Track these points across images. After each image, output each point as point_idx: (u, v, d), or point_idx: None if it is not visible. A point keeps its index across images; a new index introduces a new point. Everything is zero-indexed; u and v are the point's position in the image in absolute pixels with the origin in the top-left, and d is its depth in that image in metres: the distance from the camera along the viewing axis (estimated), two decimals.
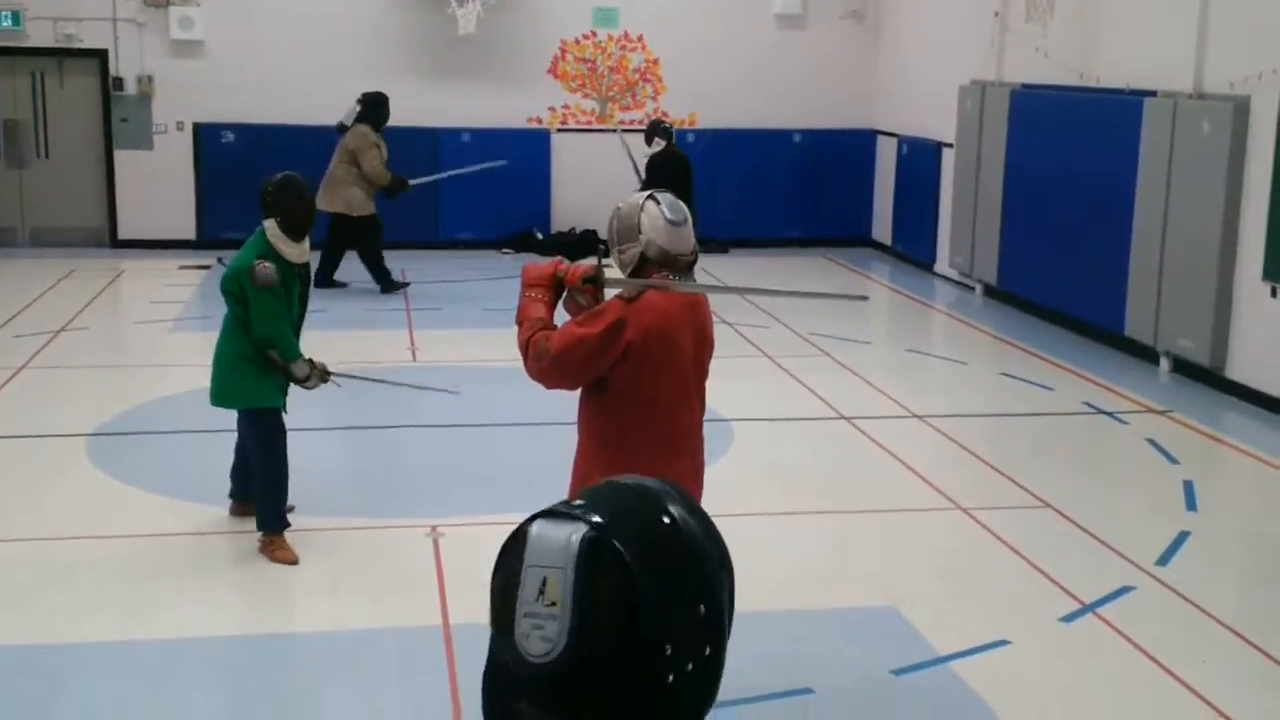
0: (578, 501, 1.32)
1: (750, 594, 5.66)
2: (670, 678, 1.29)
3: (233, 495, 6.61)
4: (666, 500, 1.34)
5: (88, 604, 5.72)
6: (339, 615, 5.63)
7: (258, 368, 6.05)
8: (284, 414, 6.22)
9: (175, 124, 14.71)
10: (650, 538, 1.30)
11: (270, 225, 5.98)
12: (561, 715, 1.27)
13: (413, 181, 12.67)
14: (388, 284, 12.60)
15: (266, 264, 5.88)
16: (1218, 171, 9.34)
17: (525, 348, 4.20)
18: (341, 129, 12.49)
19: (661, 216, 4.22)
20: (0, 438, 8.03)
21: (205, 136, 14.68)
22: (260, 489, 6.20)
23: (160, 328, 11.18)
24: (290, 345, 6.05)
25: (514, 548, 1.30)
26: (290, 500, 6.29)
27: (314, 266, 6.29)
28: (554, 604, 1.25)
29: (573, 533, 1.27)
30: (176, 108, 14.66)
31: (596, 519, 1.28)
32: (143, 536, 6.45)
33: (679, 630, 1.29)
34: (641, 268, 4.22)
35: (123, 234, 14.84)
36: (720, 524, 1.31)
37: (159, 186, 14.73)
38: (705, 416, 4.47)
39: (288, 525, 6.20)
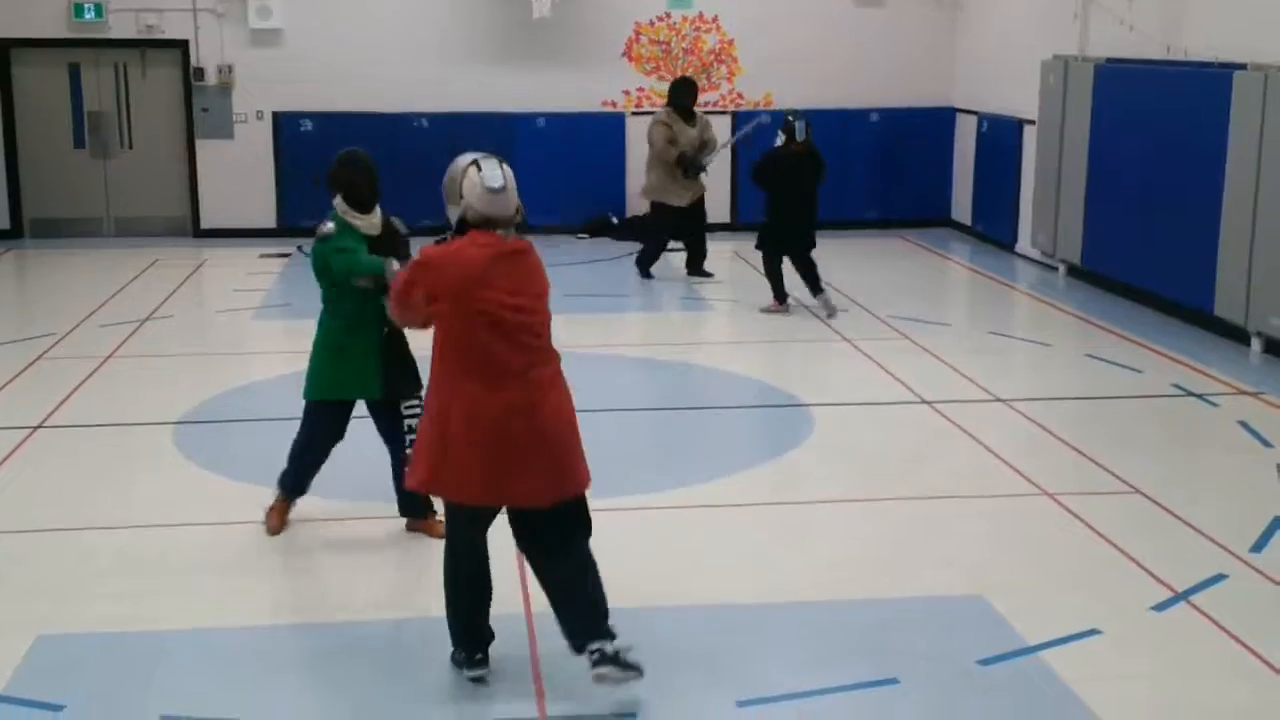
0: None
1: (835, 580, 5.63)
2: None
3: (401, 510, 6.47)
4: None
5: (173, 591, 5.78)
6: (425, 603, 5.62)
7: (323, 360, 6.21)
8: (335, 405, 6.26)
9: (255, 113, 14.87)
10: None
11: (338, 201, 6.16)
12: None
13: (705, 158, 12.50)
14: (645, 270, 12.81)
15: (327, 222, 6.09)
16: None
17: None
18: None
19: (480, 184, 4.57)
20: (87, 426, 8.16)
21: (285, 125, 14.82)
22: (290, 451, 6.42)
23: (243, 315, 11.32)
24: (370, 263, 6.00)
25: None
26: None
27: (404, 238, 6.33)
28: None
29: None
30: (256, 97, 14.82)
31: None
32: (229, 524, 6.52)
33: None
34: (461, 228, 4.61)
35: (205, 223, 15.05)
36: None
37: (240, 176, 14.91)
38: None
39: (300, 493, 6.44)
